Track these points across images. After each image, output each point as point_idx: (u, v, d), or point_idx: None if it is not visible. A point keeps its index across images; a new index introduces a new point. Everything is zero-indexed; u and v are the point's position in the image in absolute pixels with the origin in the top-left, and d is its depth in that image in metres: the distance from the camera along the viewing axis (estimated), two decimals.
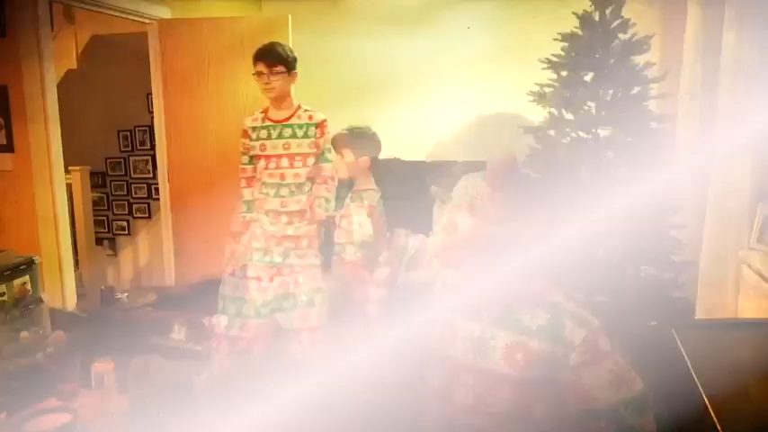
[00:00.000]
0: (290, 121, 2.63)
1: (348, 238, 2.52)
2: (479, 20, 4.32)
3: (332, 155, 2.65)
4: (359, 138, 2.51)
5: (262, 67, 2.55)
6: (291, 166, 2.63)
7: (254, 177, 2.74)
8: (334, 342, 2.56)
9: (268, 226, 2.67)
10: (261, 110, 2.71)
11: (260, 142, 2.64)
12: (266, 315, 2.65)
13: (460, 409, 1.23)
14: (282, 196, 2.64)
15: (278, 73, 2.55)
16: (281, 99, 2.62)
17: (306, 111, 2.67)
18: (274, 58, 2.55)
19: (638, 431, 1.12)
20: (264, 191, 2.68)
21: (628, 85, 2.85)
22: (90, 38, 4.65)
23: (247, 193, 2.76)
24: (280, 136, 2.62)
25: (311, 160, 2.64)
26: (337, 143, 2.53)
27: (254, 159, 2.71)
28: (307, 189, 2.66)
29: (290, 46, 3.73)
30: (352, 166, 2.52)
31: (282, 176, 2.63)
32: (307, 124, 2.63)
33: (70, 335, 2.30)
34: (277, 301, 2.66)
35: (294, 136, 2.62)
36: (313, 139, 2.63)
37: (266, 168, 2.65)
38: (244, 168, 2.77)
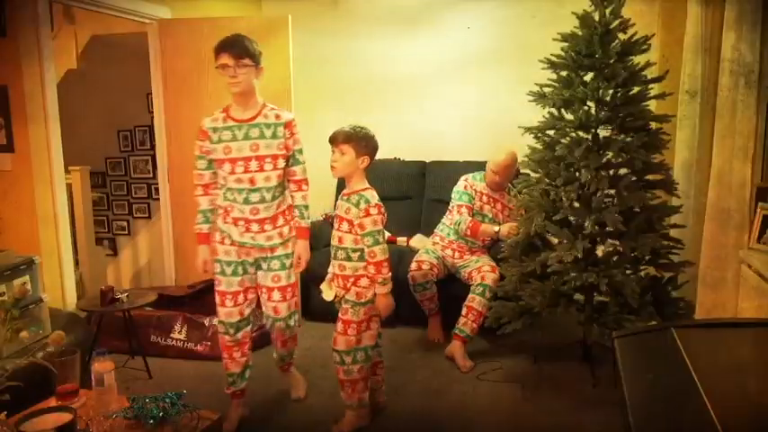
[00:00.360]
0: (255, 121, 2.41)
1: (354, 242, 2.40)
2: (479, 20, 4.32)
3: (303, 156, 2.53)
4: (362, 137, 2.39)
5: (227, 59, 2.33)
6: (261, 170, 2.40)
7: (212, 184, 2.51)
8: None
9: (238, 237, 2.46)
10: (221, 109, 2.47)
11: (223, 144, 2.40)
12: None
13: None
14: (253, 203, 2.42)
15: (244, 66, 2.34)
16: (246, 96, 2.40)
17: (272, 109, 2.46)
18: (240, 50, 2.34)
19: None
20: (230, 197, 2.45)
21: (628, 85, 2.85)
22: (90, 38, 4.64)
23: (204, 202, 2.52)
24: (246, 137, 2.39)
25: (282, 162, 2.45)
26: (338, 139, 2.39)
27: (213, 164, 2.46)
28: (278, 193, 2.48)
29: (290, 46, 3.77)
30: (350, 165, 2.39)
31: (252, 181, 2.40)
32: (274, 124, 2.42)
33: (70, 335, 2.30)
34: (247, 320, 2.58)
35: (262, 136, 2.40)
36: (282, 140, 2.43)
37: (233, 173, 2.40)
38: (200, 174, 2.50)
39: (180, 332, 3.36)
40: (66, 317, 2.71)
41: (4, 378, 1.54)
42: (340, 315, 2.49)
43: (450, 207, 3.62)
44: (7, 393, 1.51)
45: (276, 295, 2.53)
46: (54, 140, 3.25)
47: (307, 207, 2.56)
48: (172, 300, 3.60)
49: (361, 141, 2.39)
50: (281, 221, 2.50)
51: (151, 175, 4.70)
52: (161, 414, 1.71)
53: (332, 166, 2.43)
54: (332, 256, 2.51)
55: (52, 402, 1.75)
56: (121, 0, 3.56)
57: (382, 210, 2.41)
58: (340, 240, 2.45)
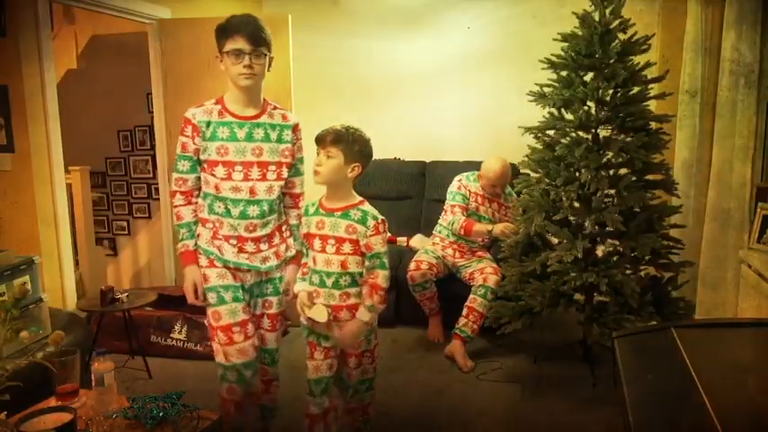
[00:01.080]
0: (260, 119, 2.04)
1: (359, 264, 2.03)
2: (479, 20, 4.33)
3: (303, 167, 2.21)
4: (355, 140, 2.00)
5: (242, 44, 1.92)
6: (264, 178, 2.03)
7: (194, 191, 2.09)
8: None
9: (233, 257, 2.05)
10: (213, 101, 2.08)
11: (219, 143, 1.99)
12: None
13: None
14: (251, 218, 2.03)
15: (262, 55, 1.97)
16: (255, 90, 2.03)
17: (276, 108, 2.10)
18: (259, 35, 1.94)
19: None
20: (219, 210, 2.03)
21: (628, 85, 2.85)
22: (90, 38, 4.65)
23: (187, 213, 2.09)
24: (249, 137, 2.01)
25: (286, 171, 2.09)
26: (325, 140, 1.99)
27: (199, 166, 2.05)
28: (276, 206, 2.11)
29: (291, 45, 3.77)
30: (337, 172, 1.99)
31: (253, 191, 2.02)
32: (281, 125, 2.07)
33: (70, 335, 2.30)
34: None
35: (267, 139, 2.03)
36: (289, 145, 2.08)
37: (228, 179, 2.00)
38: (183, 178, 2.07)
39: (180, 332, 3.36)
40: (66, 317, 2.70)
41: (4, 378, 1.54)
42: (350, 350, 2.12)
43: (444, 207, 3.62)
44: (7, 393, 1.51)
45: (266, 323, 2.18)
46: (54, 140, 3.25)
47: (299, 227, 2.19)
48: (172, 300, 3.60)
49: (353, 145, 2.00)
50: (276, 239, 2.13)
51: (151, 175, 4.70)
52: (161, 414, 1.71)
53: (315, 171, 2.01)
54: (324, 284, 2.04)
55: (52, 402, 1.75)
56: (121, 0, 3.56)
57: (386, 227, 2.10)
58: (343, 265, 2.02)
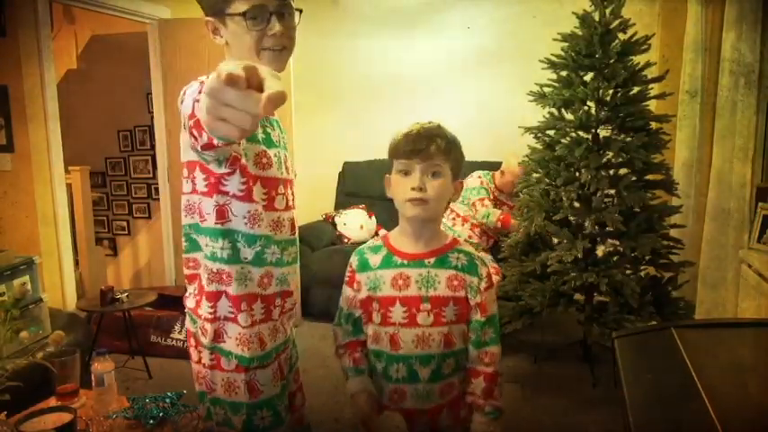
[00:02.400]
0: (277, 117, 1.33)
1: (465, 337, 1.33)
2: (479, 20, 4.32)
3: None
4: (460, 147, 1.34)
5: None
6: (293, 204, 1.35)
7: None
8: None
9: (280, 338, 1.31)
10: None
11: (259, 148, 1.21)
12: None
13: None
14: (290, 264, 1.32)
15: (293, 12, 1.25)
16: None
17: None
18: None
19: None
20: (270, 256, 1.26)
21: (628, 85, 2.85)
22: (90, 38, 4.65)
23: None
24: (281, 143, 1.31)
25: None
26: (429, 150, 1.28)
27: (231, 190, 1.18)
28: None
29: None
30: (446, 194, 1.31)
31: (293, 226, 1.34)
32: (282, 129, 1.35)
33: (70, 335, 2.30)
34: None
35: (285, 148, 1.34)
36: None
37: (270, 208, 1.24)
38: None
39: (180, 332, 3.36)
40: (66, 317, 2.70)
41: (4, 378, 1.54)
42: None
43: (451, 207, 3.61)
44: (7, 393, 1.51)
45: (299, 398, 1.47)
46: (54, 140, 3.25)
47: None
48: (172, 300, 3.60)
49: (459, 155, 1.34)
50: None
51: (151, 175, 4.70)
52: (161, 414, 1.71)
53: (417, 198, 1.27)
54: (417, 377, 1.30)
55: (52, 402, 1.75)
56: (121, 0, 3.56)
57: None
58: (447, 342, 1.30)
